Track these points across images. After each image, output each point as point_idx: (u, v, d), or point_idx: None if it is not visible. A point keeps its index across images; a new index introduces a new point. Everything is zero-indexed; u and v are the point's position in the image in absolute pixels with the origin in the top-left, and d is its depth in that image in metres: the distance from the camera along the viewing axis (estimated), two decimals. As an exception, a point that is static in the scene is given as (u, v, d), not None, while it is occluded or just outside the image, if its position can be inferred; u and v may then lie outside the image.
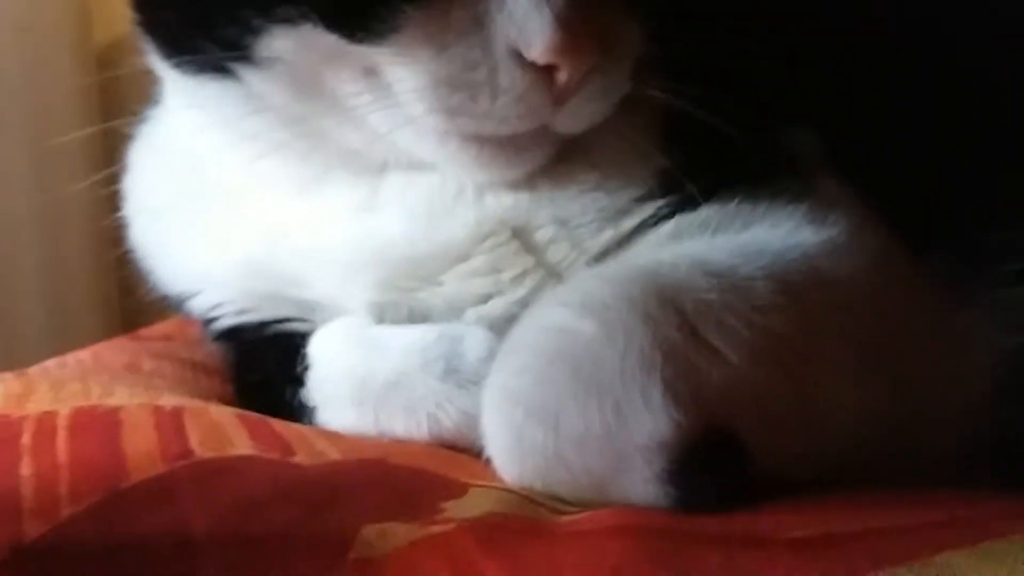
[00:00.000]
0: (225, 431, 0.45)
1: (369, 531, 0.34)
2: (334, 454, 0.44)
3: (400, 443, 0.48)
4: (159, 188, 0.60)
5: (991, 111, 0.55)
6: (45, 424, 0.44)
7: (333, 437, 0.47)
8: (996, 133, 0.54)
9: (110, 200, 0.63)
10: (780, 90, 0.52)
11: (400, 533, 0.34)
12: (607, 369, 0.38)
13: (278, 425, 0.48)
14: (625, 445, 0.37)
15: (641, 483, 0.38)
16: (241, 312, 0.57)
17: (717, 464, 0.38)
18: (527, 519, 0.37)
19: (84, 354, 0.61)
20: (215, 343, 0.61)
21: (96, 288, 1.16)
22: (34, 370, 0.57)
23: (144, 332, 0.70)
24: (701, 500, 0.37)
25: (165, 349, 0.64)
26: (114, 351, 0.62)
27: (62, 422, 0.44)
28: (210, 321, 0.59)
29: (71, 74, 1.12)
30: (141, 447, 0.42)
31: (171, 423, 0.45)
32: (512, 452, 0.39)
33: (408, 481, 0.41)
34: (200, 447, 0.43)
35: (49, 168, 1.07)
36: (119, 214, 0.62)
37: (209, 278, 0.57)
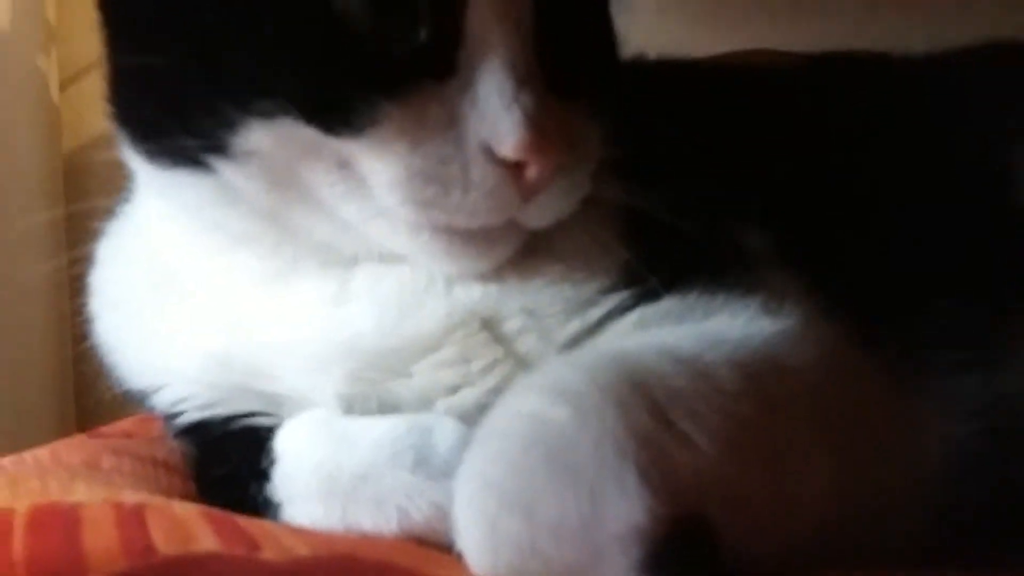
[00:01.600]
0: (189, 527, 0.44)
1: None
2: (302, 549, 0.43)
3: (369, 538, 0.47)
4: (126, 282, 0.60)
5: (933, 207, 0.58)
6: (2, 521, 0.42)
7: (301, 532, 0.46)
8: (937, 231, 0.57)
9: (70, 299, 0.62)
10: (730, 190, 0.55)
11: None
12: (582, 456, 0.38)
13: (244, 521, 0.47)
14: (601, 534, 0.37)
15: (618, 574, 0.37)
16: (205, 406, 0.56)
17: (691, 550, 0.38)
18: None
19: (42, 452, 0.59)
20: (177, 439, 0.60)
21: (52, 387, 1.13)
22: (-11, 468, 0.55)
23: (104, 429, 0.68)
24: None
25: (125, 446, 0.62)
26: (72, 449, 0.60)
27: (19, 519, 0.43)
28: (173, 416, 0.58)
29: (39, 177, 1.12)
30: (101, 544, 0.41)
31: (133, 520, 0.44)
32: (486, 543, 0.39)
33: None
34: (163, 544, 0.41)
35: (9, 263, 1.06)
36: (84, 310, 0.62)
37: (174, 372, 0.57)
